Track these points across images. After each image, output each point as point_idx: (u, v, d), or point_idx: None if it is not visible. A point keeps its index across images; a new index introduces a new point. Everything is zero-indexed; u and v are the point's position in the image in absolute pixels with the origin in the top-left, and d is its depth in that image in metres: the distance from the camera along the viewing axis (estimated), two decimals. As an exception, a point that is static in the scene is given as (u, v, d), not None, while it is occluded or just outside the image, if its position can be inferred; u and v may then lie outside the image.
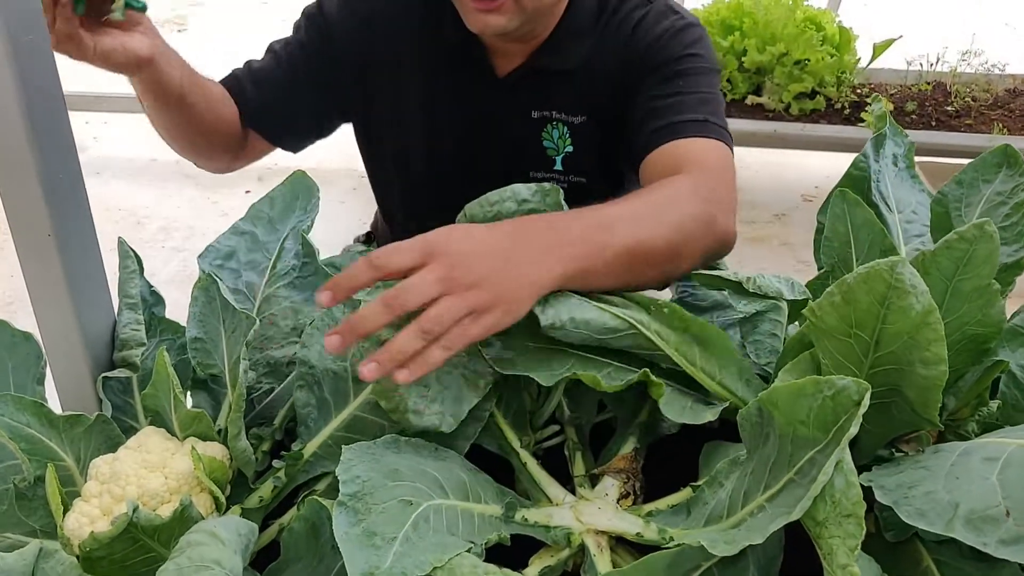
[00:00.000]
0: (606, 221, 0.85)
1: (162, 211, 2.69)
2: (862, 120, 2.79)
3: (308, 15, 1.31)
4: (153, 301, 0.95)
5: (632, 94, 1.22)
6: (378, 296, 0.73)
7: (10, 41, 0.71)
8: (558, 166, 1.33)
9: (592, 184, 1.31)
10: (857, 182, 0.96)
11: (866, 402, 0.60)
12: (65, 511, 0.75)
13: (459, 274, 0.75)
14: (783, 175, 3.25)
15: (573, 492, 0.85)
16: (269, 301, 0.95)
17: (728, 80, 2.87)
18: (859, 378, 0.71)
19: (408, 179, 1.40)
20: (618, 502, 0.82)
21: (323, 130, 1.36)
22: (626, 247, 0.84)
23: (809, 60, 2.75)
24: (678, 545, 0.69)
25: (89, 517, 0.75)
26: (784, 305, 1.02)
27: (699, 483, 0.80)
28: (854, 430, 0.60)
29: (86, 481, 0.79)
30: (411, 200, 1.43)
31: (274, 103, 1.27)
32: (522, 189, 1.09)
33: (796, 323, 1.00)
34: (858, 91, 2.95)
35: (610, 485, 0.84)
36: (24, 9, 0.72)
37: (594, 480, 0.85)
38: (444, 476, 0.75)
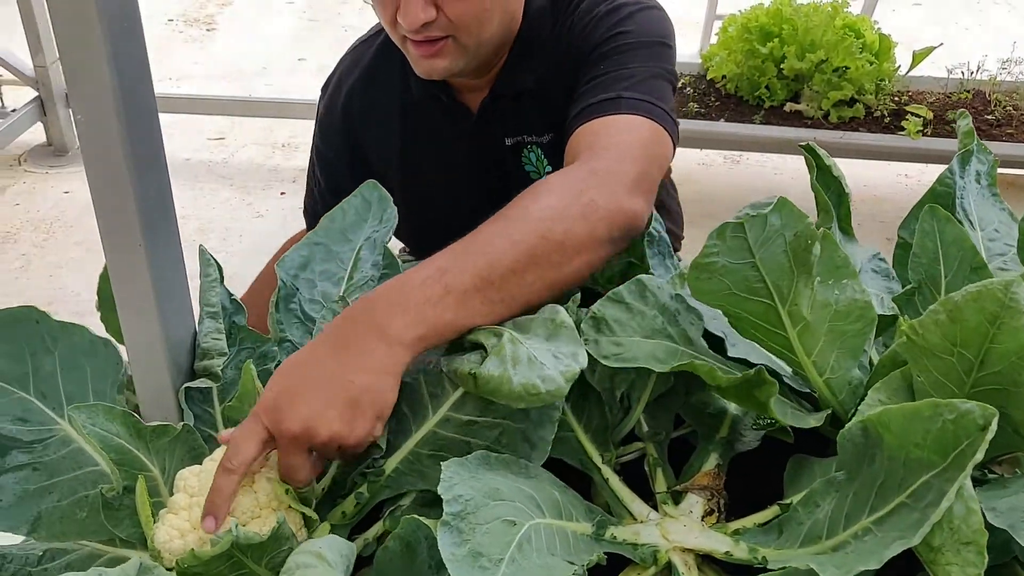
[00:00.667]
0: (439, 268, 0.82)
1: (199, 212, 2.71)
2: (901, 128, 2.77)
3: (320, 126, 1.41)
4: (233, 309, 0.94)
5: (572, 92, 1.20)
6: (217, 468, 0.74)
7: (111, 52, 0.71)
8: None
9: None
10: (942, 198, 0.95)
11: (993, 427, 0.59)
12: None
13: (280, 408, 0.75)
14: (818, 182, 3.21)
15: (655, 508, 0.85)
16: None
17: (766, 87, 2.86)
18: (960, 396, 0.71)
19: (414, 224, 1.44)
20: (703, 519, 0.82)
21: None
22: (471, 283, 0.81)
23: (848, 67, 2.73)
24: (781, 569, 0.68)
25: (179, 530, 0.75)
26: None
27: (787, 501, 0.80)
28: (980, 456, 0.59)
29: (171, 492, 0.79)
30: (422, 237, 1.46)
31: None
32: None
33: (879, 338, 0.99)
34: (897, 99, 2.93)
35: (694, 502, 0.84)
36: (123, 18, 0.72)
37: (676, 496, 0.85)
38: (539, 495, 0.74)
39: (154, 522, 0.75)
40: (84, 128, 0.75)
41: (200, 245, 0.94)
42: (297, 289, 0.94)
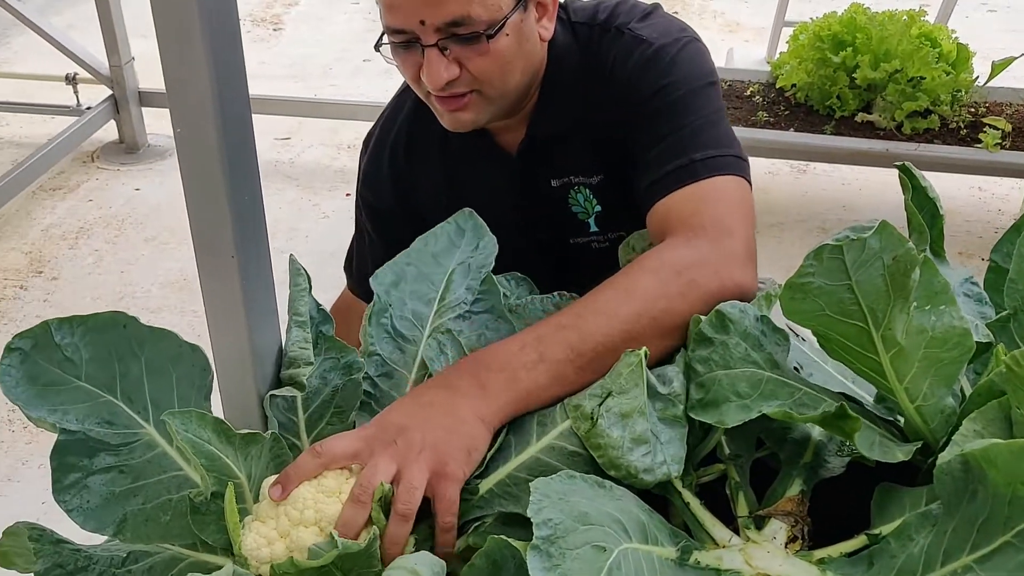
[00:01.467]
0: (537, 336, 0.88)
1: (266, 212, 2.74)
2: (978, 141, 2.70)
3: (367, 179, 1.38)
4: (320, 319, 0.95)
5: (628, 142, 1.18)
6: (347, 501, 0.76)
7: (212, 63, 0.72)
8: (593, 228, 1.31)
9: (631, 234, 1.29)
10: (1040, 223, 0.92)
11: None
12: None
13: (404, 444, 0.79)
14: (885, 195, 3.17)
15: (736, 532, 0.83)
16: (440, 331, 0.95)
17: (838, 96, 2.81)
18: None
19: None
20: (786, 546, 0.80)
21: None
22: (564, 355, 0.86)
23: (924, 78, 2.67)
24: None
25: (267, 538, 0.76)
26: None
27: (876, 531, 0.78)
28: None
29: (256, 499, 0.80)
30: None
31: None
32: (635, 239, 1.15)
33: (971, 364, 0.97)
34: (974, 110, 2.86)
35: (778, 528, 0.82)
36: (223, 33, 0.73)
37: (759, 521, 0.83)
38: (625, 518, 0.73)
39: (241, 529, 0.76)
40: (183, 141, 0.76)
41: (291, 255, 0.95)
42: (390, 305, 0.94)
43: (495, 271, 1.02)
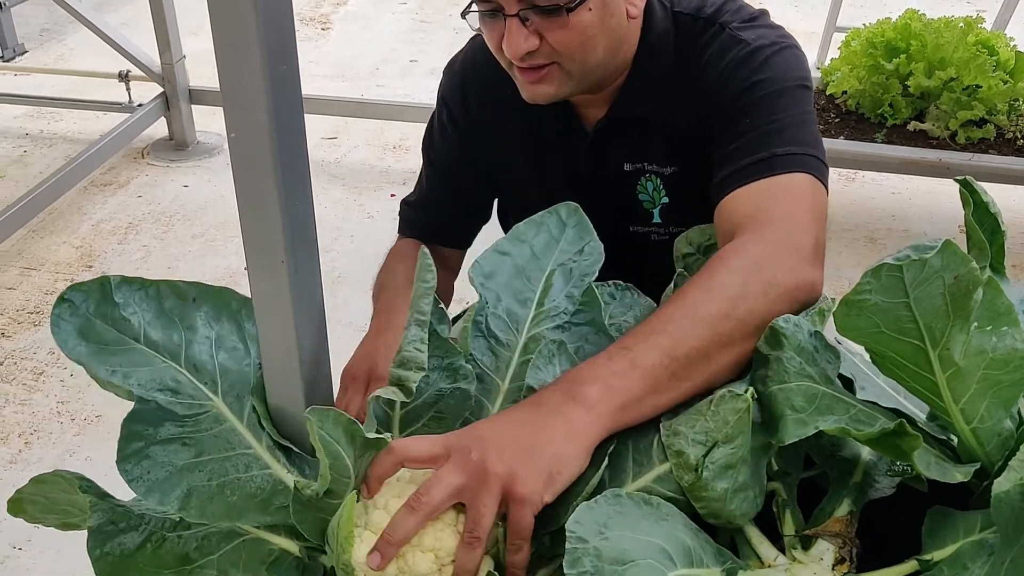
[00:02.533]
0: (624, 346, 0.85)
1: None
2: (1036, 151, 2.65)
3: (438, 118, 1.38)
4: (437, 317, 0.89)
5: (709, 136, 1.17)
6: (403, 504, 0.73)
7: (267, 74, 0.72)
8: (656, 219, 1.30)
9: None
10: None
11: None
12: None
13: (479, 461, 0.75)
14: (939, 204, 3.11)
15: (783, 551, 0.81)
16: (536, 340, 0.92)
17: (890, 104, 2.76)
18: None
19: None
20: (833, 568, 0.79)
21: (489, 213, 1.46)
22: (658, 360, 0.83)
23: (980, 86, 2.61)
24: None
25: None
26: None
27: (927, 556, 0.76)
28: None
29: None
30: None
31: (450, 217, 1.40)
32: (695, 234, 1.11)
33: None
34: (1031, 120, 2.79)
35: (825, 549, 0.80)
36: (279, 42, 0.73)
37: (806, 541, 0.82)
38: (671, 545, 0.72)
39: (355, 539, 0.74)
40: (236, 145, 0.76)
41: (422, 249, 0.90)
42: (486, 302, 0.91)
43: None
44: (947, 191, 3.10)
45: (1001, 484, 0.70)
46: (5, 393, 2.41)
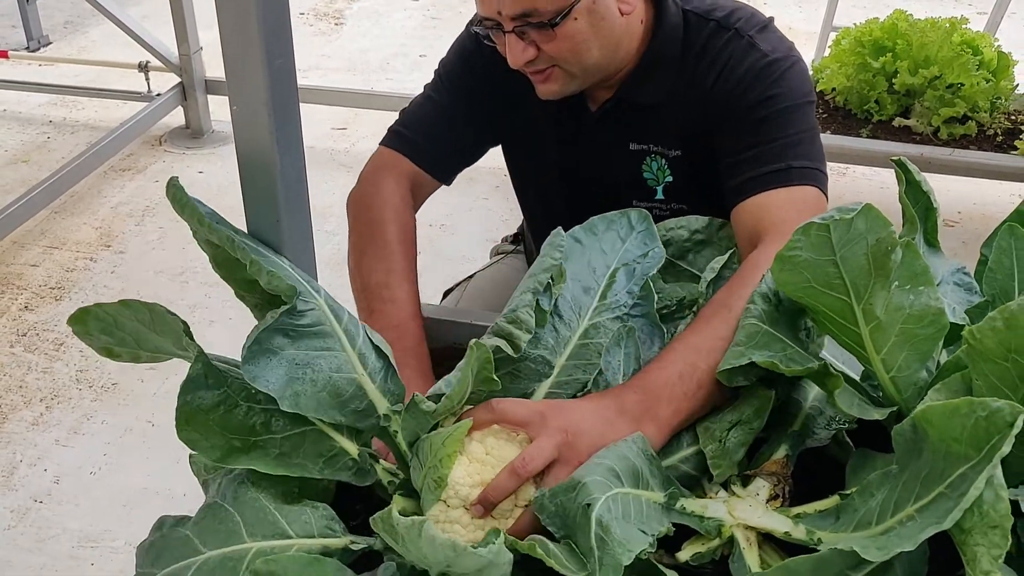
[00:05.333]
0: (691, 364, 0.95)
1: (320, 197, 2.88)
2: (1015, 148, 2.72)
3: (460, 52, 1.40)
4: (544, 290, 0.98)
5: (720, 134, 1.25)
6: (506, 467, 0.84)
7: (267, 67, 0.84)
8: (659, 195, 1.38)
9: (695, 210, 1.33)
10: (1028, 219, 0.98)
11: (1019, 424, 0.64)
12: None
13: (572, 443, 0.87)
14: (925, 198, 3.17)
15: (725, 489, 0.91)
16: (596, 328, 1.01)
17: (876, 101, 2.85)
18: (1014, 401, 0.76)
19: (539, 195, 1.52)
20: (768, 502, 0.88)
21: (476, 158, 1.47)
22: (713, 379, 0.94)
23: (963, 84, 2.70)
24: (830, 550, 0.72)
25: (471, 479, 0.84)
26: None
27: (848, 492, 0.85)
28: (1006, 449, 0.64)
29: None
30: (545, 212, 1.53)
31: (441, 146, 1.38)
32: (695, 221, 1.18)
33: (949, 347, 1.04)
34: (1013, 118, 2.87)
35: (761, 486, 0.89)
36: (278, 39, 0.85)
37: (745, 480, 0.91)
38: (619, 465, 0.83)
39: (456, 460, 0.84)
40: (238, 116, 0.88)
41: (558, 228, 1.01)
42: (565, 283, 1.00)
43: (551, 216, 1.07)
44: (934, 186, 3.17)
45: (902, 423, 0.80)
46: (28, 362, 2.54)
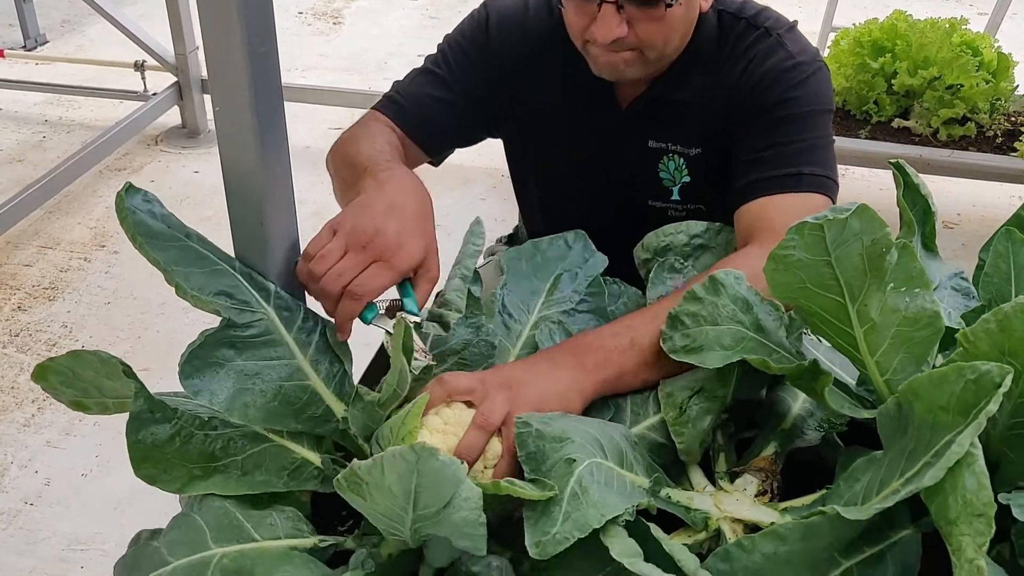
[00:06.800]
0: (628, 325, 0.98)
1: (316, 196, 2.85)
2: (1014, 149, 2.71)
3: (473, 31, 1.34)
4: (472, 279, 1.03)
5: (737, 131, 1.24)
6: (471, 424, 0.86)
7: (248, 54, 0.82)
8: (675, 196, 1.35)
9: (711, 211, 1.33)
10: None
11: (1007, 384, 0.63)
12: None
13: (517, 392, 0.89)
14: (925, 200, 3.16)
15: (714, 484, 0.91)
16: (545, 320, 1.06)
17: (875, 102, 2.83)
18: (1008, 402, 0.74)
19: (542, 193, 1.48)
20: (756, 497, 0.88)
21: (470, 143, 1.42)
22: (654, 342, 0.94)
23: (963, 85, 2.68)
24: (817, 515, 0.72)
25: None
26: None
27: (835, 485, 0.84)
28: (993, 407, 0.63)
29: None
30: (546, 211, 1.50)
31: (436, 122, 1.31)
32: (694, 226, 1.18)
33: (945, 352, 1.02)
34: (1013, 119, 2.86)
35: (749, 481, 0.89)
36: (260, 26, 0.83)
37: (734, 476, 0.91)
38: (604, 439, 0.82)
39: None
40: (220, 115, 0.86)
41: (477, 217, 1.05)
42: (505, 284, 1.07)
43: (571, 219, 1.10)
44: (931, 188, 3.17)
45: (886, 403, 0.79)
46: (20, 362, 2.52)
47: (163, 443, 0.81)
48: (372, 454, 0.86)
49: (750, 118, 1.22)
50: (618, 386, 0.95)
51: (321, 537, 0.83)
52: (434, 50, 1.36)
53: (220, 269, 0.89)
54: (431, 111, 1.31)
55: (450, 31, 1.37)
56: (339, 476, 0.75)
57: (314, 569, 0.78)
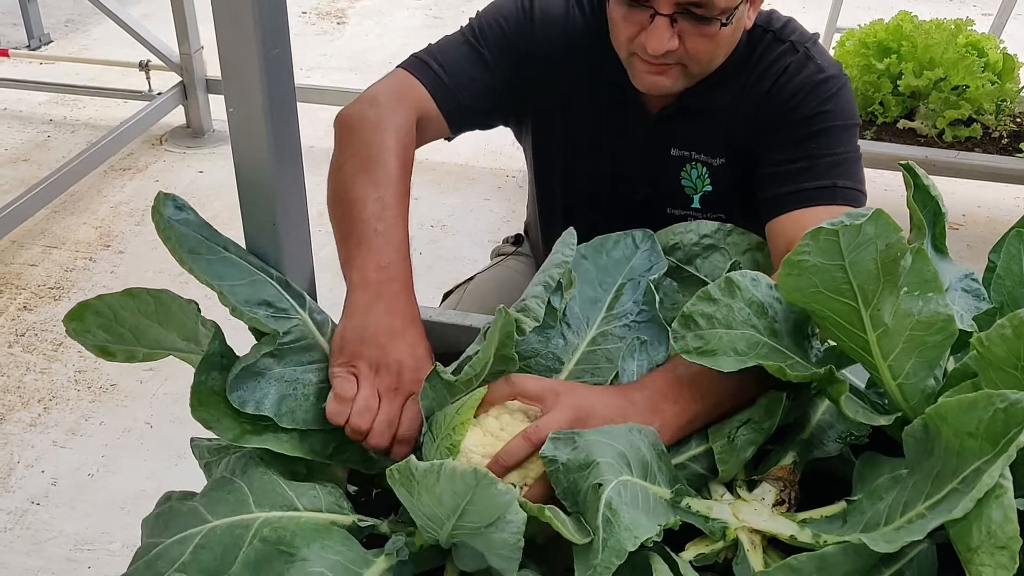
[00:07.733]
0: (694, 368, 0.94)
1: (320, 197, 2.86)
2: (1020, 150, 2.71)
3: (516, 16, 1.30)
4: (554, 289, 1.01)
5: (765, 143, 1.24)
6: (519, 433, 0.85)
7: (262, 56, 0.83)
8: (696, 204, 1.36)
9: (732, 220, 1.31)
10: (1037, 225, 0.97)
11: None
12: None
13: (583, 421, 0.87)
14: (929, 201, 3.16)
15: (732, 492, 0.90)
16: (605, 336, 1.03)
17: (880, 103, 2.83)
18: None
19: (565, 192, 1.47)
20: (773, 507, 0.87)
21: (489, 127, 1.37)
22: (724, 393, 0.93)
23: (968, 86, 2.68)
24: (836, 543, 0.72)
25: (483, 449, 0.85)
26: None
27: (855, 497, 0.84)
28: (1023, 440, 0.63)
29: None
30: (568, 211, 1.49)
31: (465, 92, 1.27)
32: (704, 225, 1.16)
33: (958, 354, 1.02)
34: (1018, 120, 2.86)
35: (767, 491, 0.89)
36: (273, 28, 0.84)
37: (752, 485, 0.91)
38: (631, 453, 0.82)
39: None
40: (234, 117, 0.87)
41: (569, 228, 1.03)
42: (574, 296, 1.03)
43: (593, 222, 1.07)
44: (943, 189, 3.16)
45: (912, 424, 0.79)
46: (26, 362, 2.52)
47: (220, 391, 0.83)
48: (423, 436, 0.89)
49: (781, 131, 1.23)
50: (687, 431, 0.94)
51: (360, 516, 0.84)
52: None
53: (259, 279, 0.91)
54: (470, 91, 1.27)
55: (484, 8, 1.32)
56: (393, 467, 0.76)
57: (352, 547, 0.78)
